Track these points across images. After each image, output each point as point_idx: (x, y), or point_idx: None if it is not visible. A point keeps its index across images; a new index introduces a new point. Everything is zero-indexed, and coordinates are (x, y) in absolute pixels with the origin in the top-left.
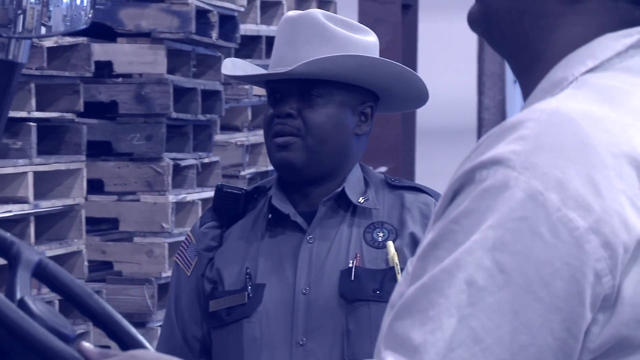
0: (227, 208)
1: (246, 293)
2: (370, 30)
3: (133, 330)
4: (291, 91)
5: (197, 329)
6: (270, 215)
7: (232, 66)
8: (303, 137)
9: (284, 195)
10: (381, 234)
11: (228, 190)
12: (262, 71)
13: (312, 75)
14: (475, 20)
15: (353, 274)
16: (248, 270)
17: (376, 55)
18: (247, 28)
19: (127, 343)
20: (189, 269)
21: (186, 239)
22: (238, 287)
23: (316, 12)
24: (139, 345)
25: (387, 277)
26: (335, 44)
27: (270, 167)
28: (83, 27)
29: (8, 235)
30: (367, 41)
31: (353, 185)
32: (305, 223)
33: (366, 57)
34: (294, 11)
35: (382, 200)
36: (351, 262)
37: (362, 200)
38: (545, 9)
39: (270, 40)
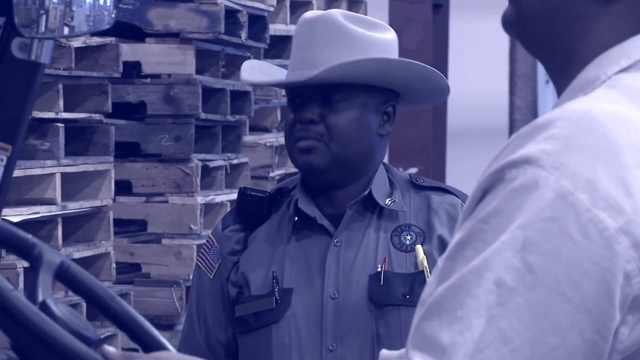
0: (251, 211)
1: (274, 298)
2: (389, 27)
3: (156, 333)
4: (312, 96)
5: (222, 332)
6: (296, 218)
7: (250, 69)
8: (326, 142)
9: (309, 198)
10: (409, 237)
11: (251, 193)
12: (282, 75)
13: (333, 80)
14: (509, 23)
15: (382, 278)
16: (275, 275)
17: (395, 52)
18: (276, 28)
19: (149, 345)
20: (212, 272)
21: (208, 241)
22: (265, 291)
23: (334, 12)
24: (161, 347)
25: (416, 281)
26: (354, 45)
27: None
28: (106, 27)
29: (30, 236)
30: (386, 39)
31: (379, 187)
32: (331, 226)
33: (386, 60)
34: (312, 12)
35: (408, 202)
36: (380, 266)
37: (389, 203)
38: (579, 11)
39: None
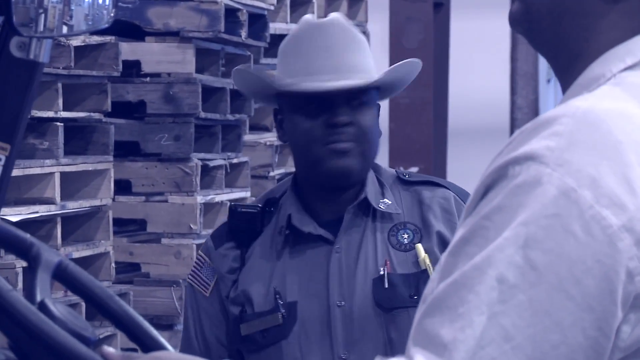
0: (244, 228)
1: (279, 314)
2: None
3: (154, 332)
4: (342, 99)
5: (223, 350)
6: (287, 232)
7: (243, 84)
8: (359, 144)
9: (302, 209)
10: (406, 235)
11: (243, 210)
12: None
13: (380, 84)
14: (517, 20)
15: (386, 281)
16: (276, 290)
17: None
18: (276, 27)
19: (148, 345)
20: (207, 289)
21: (198, 259)
22: (268, 307)
23: (339, 16)
24: (160, 347)
25: (421, 281)
26: (362, 47)
27: None
28: (105, 26)
29: (28, 236)
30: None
31: (370, 188)
32: (328, 233)
33: (415, 62)
34: (312, 16)
35: (399, 200)
36: (382, 269)
37: (383, 205)
38: (586, 9)
39: None
